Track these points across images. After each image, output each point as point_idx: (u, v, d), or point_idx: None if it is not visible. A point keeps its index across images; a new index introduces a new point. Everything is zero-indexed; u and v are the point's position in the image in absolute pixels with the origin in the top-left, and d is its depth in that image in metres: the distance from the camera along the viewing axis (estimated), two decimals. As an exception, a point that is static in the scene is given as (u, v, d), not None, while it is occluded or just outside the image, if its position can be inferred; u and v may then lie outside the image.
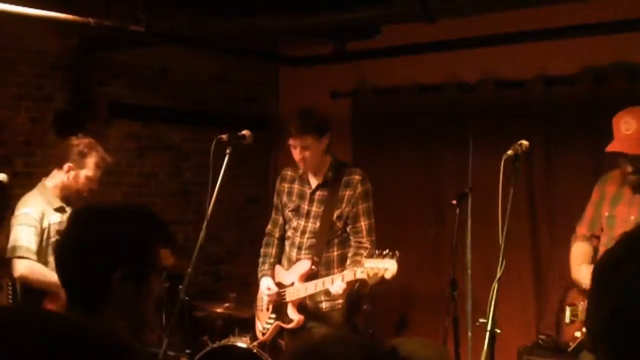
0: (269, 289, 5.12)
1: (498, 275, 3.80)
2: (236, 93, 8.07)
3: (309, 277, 4.98)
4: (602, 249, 4.62)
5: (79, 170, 5.03)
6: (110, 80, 6.88)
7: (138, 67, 7.12)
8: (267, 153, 8.18)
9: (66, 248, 2.40)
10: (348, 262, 4.97)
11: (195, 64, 7.57)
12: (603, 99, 6.17)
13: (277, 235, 5.30)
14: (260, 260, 5.31)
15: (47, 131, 6.35)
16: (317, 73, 7.76)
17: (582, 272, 4.61)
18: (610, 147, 4.43)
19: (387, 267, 4.44)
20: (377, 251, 4.55)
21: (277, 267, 5.24)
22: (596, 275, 1.52)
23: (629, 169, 4.44)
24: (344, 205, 4.98)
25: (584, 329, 4.50)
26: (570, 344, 4.58)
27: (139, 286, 2.32)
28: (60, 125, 6.39)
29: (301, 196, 5.12)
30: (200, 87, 7.69)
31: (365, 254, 4.81)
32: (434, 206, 6.96)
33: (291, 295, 5.03)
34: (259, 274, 5.25)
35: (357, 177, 5.01)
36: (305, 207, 5.09)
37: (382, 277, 4.47)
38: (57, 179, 5.06)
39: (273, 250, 5.30)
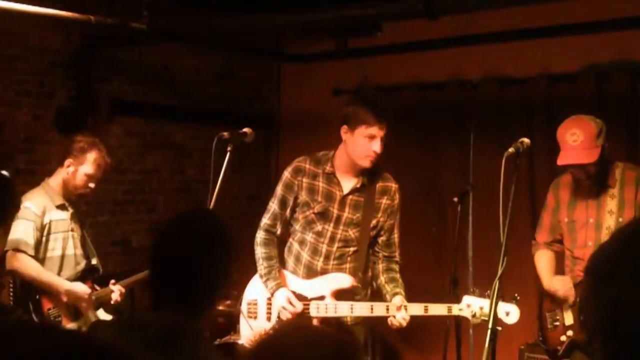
0: (291, 304, 4.50)
1: (499, 272, 3.80)
2: (238, 90, 8.06)
3: (344, 293, 4.50)
4: (567, 253, 4.80)
5: (79, 166, 5.05)
6: (112, 77, 6.88)
7: (140, 64, 7.12)
8: (269, 150, 8.18)
9: (179, 249, 2.58)
10: (383, 278, 4.58)
11: (197, 61, 7.57)
12: (606, 96, 6.16)
13: (278, 232, 4.71)
14: (265, 263, 4.66)
15: (48, 128, 6.36)
16: (319, 70, 7.75)
17: (557, 283, 4.74)
18: (561, 161, 4.53)
19: (509, 311, 4.10)
20: (487, 291, 4.08)
21: (285, 272, 4.69)
22: (593, 271, 1.52)
23: (582, 176, 4.57)
24: (379, 215, 4.57)
25: (568, 333, 4.59)
26: (559, 348, 4.64)
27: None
28: (61, 122, 6.39)
29: (329, 197, 4.55)
30: (202, 84, 7.69)
31: (397, 269, 4.60)
32: (435, 204, 6.94)
33: (320, 310, 4.49)
34: (271, 283, 4.60)
35: (393, 185, 4.66)
36: (335, 211, 4.53)
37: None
38: (58, 176, 5.10)
39: (276, 252, 4.72)
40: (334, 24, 6.49)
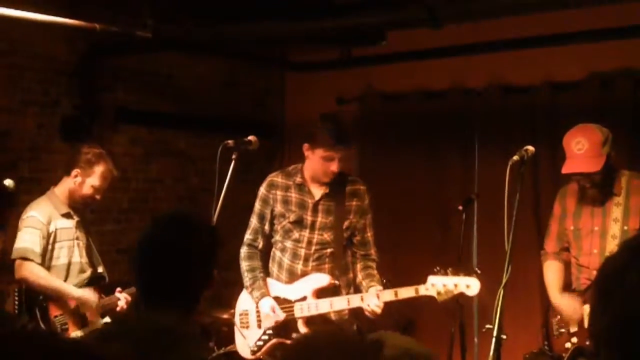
0: (274, 312, 4.80)
1: (504, 281, 3.80)
2: (242, 99, 8.06)
3: (324, 292, 4.77)
4: (573, 261, 4.79)
5: (86, 178, 5.09)
6: (116, 85, 6.89)
7: (144, 72, 7.12)
8: (273, 159, 8.17)
9: (162, 251, 2.65)
10: (360, 276, 4.86)
11: (202, 69, 7.57)
12: (609, 104, 6.17)
13: (259, 246, 4.99)
14: (249, 275, 4.94)
15: (53, 137, 6.36)
16: (324, 79, 7.76)
17: (563, 302, 4.73)
18: (566, 169, 4.55)
19: (470, 284, 4.40)
20: (448, 269, 4.48)
21: (270, 280, 4.96)
22: (600, 282, 1.52)
23: (587, 184, 4.57)
24: (351, 216, 4.84)
25: (573, 340, 4.58)
26: (563, 355, 4.63)
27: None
28: (66, 130, 6.39)
29: (302, 206, 4.83)
30: (206, 92, 7.69)
31: (374, 266, 4.87)
32: (440, 212, 6.94)
33: (303, 311, 4.78)
34: (256, 293, 4.88)
35: (362, 187, 4.92)
36: (309, 217, 4.81)
37: (459, 295, 4.46)
38: (64, 185, 5.13)
39: (260, 264, 4.97)
40: (338, 33, 6.48)
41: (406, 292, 4.55)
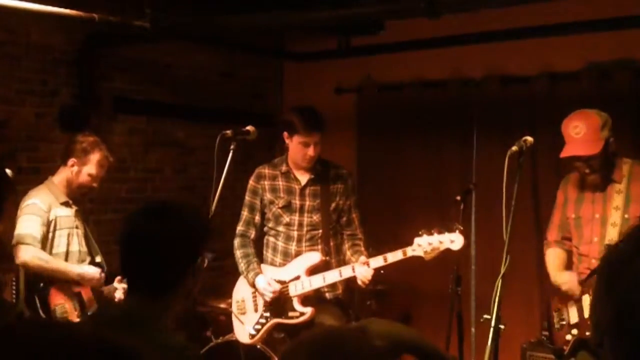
0: (270, 285, 5.04)
1: (502, 271, 3.80)
2: (241, 89, 8.06)
3: (317, 269, 5.01)
4: (574, 250, 4.76)
5: (82, 166, 5.12)
6: (114, 75, 6.88)
7: (143, 62, 7.11)
8: (272, 149, 8.17)
9: (144, 240, 2.69)
10: (349, 253, 5.14)
11: (200, 59, 7.57)
12: (607, 95, 6.15)
13: (252, 236, 5.24)
14: (243, 261, 5.19)
15: (51, 126, 6.36)
16: (322, 69, 7.76)
17: (563, 276, 4.71)
18: (564, 153, 4.52)
19: (453, 239, 4.63)
20: (433, 230, 4.70)
21: (263, 266, 5.20)
22: (604, 271, 1.51)
23: (587, 170, 4.54)
24: (337, 198, 5.15)
25: (573, 331, 4.56)
26: (565, 347, 4.61)
27: (195, 277, 2.75)
28: (64, 120, 6.39)
29: (290, 192, 5.13)
30: (205, 82, 7.69)
31: (362, 244, 5.18)
32: (438, 202, 6.94)
33: (297, 289, 5.02)
34: (251, 274, 5.13)
35: (344, 171, 5.29)
36: (297, 202, 5.11)
37: (444, 251, 4.67)
38: (62, 174, 5.16)
39: (253, 251, 5.22)
40: (337, 23, 6.47)
41: (395, 256, 4.77)
